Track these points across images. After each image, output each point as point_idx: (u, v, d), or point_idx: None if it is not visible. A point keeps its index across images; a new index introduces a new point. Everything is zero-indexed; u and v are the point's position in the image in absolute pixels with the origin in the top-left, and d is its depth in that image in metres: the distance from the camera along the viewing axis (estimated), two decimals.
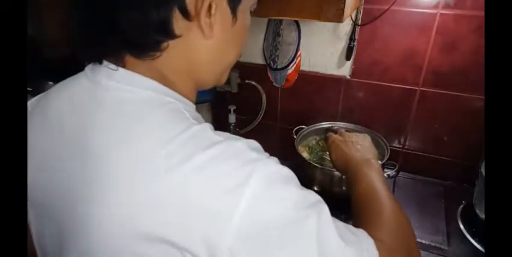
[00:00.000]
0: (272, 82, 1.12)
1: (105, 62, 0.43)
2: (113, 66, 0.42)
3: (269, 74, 1.11)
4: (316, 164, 0.92)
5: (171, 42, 0.41)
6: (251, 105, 1.22)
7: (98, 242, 0.38)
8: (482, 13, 0.83)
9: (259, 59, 1.13)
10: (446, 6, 0.86)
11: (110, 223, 0.37)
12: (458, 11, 0.86)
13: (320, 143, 1.06)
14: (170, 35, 0.40)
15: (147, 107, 0.40)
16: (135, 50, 0.41)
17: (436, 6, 0.87)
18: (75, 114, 0.43)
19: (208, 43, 0.44)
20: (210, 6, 0.40)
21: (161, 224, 0.35)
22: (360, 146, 0.75)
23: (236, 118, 1.21)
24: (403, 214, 0.58)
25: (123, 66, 0.42)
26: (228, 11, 0.43)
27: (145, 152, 0.37)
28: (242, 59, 1.16)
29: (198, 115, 0.46)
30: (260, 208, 0.36)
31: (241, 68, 1.17)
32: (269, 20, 1.04)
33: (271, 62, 1.07)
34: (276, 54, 1.05)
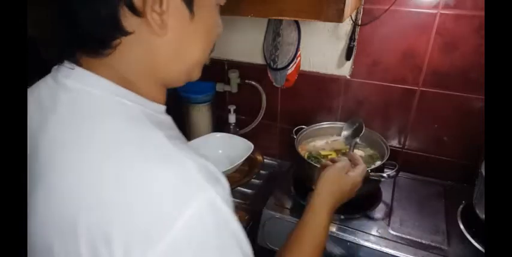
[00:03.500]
0: (272, 82, 1.12)
1: (66, 61, 0.43)
2: (71, 65, 0.42)
3: (269, 74, 1.11)
4: (316, 164, 0.92)
5: (124, 39, 0.40)
6: (251, 105, 1.22)
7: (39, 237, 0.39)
8: (482, 13, 0.83)
9: (259, 59, 1.13)
10: (446, 6, 0.86)
11: (50, 220, 0.38)
12: (458, 11, 0.86)
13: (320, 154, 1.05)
14: (120, 31, 0.39)
15: (99, 109, 0.40)
16: (86, 47, 0.41)
17: (436, 6, 0.87)
18: (38, 112, 0.43)
19: (164, 40, 0.42)
20: (161, 2, 0.39)
21: (100, 225, 0.36)
22: (344, 189, 0.71)
23: (236, 118, 1.21)
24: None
25: (80, 65, 0.42)
26: (182, 6, 0.41)
27: (91, 156, 0.37)
28: (242, 59, 1.16)
29: (163, 117, 0.46)
30: (187, 239, 0.35)
31: (241, 68, 1.17)
32: (269, 20, 1.04)
33: (271, 62, 1.07)
34: (276, 54, 1.05)
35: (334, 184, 0.71)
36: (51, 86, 0.44)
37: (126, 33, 0.39)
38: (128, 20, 0.39)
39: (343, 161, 0.75)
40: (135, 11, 0.38)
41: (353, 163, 0.77)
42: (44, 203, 0.39)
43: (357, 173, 0.73)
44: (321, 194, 0.69)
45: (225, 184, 0.41)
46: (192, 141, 1.15)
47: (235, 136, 1.18)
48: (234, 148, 1.14)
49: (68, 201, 0.37)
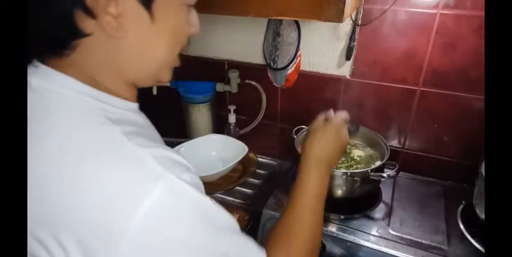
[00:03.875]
0: (272, 82, 1.12)
1: (34, 60, 0.43)
2: (36, 63, 0.42)
3: (269, 74, 1.11)
4: None
5: (84, 41, 0.41)
6: (251, 105, 1.22)
7: None
8: (482, 13, 0.83)
9: (259, 59, 1.13)
10: (446, 6, 0.86)
11: None
12: (458, 11, 0.86)
13: None
14: (76, 33, 0.39)
15: (57, 106, 0.40)
16: (46, 47, 0.41)
17: (436, 6, 0.87)
18: None
19: (124, 42, 0.42)
20: (116, 4, 0.39)
21: (52, 225, 0.37)
22: (331, 145, 0.70)
23: (236, 118, 1.21)
24: (318, 238, 0.61)
25: (47, 64, 0.42)
26: (140, 9, 0.41)
27: (47, 156, 0.38)
28: (242, 59, 1.16)
29: (130, 114, 0.46)
30: (151, 226, 0.36)
31: (241, 68, 1.17)
32: (269, 20, 1.04)
33: (271, 62, 1.07)
34: (276, 54, 1.05)
35: (316, 136, 0.70)
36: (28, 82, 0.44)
37: (83, 35, 0.40)
38: (84, 22, 0.39)
39: (317, 120, 0.74)
40: (89, 13, 0.39)
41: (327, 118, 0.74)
42: None
43: (334, 120, 0.72)
44: (306, 150, 0.68)
45: (189, 167, 0.42)
46: (188, 142, 1.15)
47: (230, 137, 1.18)
48: (228, 149, 1.14)
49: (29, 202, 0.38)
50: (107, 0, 0.38)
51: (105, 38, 0.41)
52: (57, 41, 0.41)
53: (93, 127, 0.40)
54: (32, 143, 0.39)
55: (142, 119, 0.51)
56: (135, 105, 0.50)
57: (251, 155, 1.20)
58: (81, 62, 0.43)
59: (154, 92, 1.23)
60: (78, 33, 0.40)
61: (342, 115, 0.74)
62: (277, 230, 0.59)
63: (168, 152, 0.41)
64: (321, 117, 0.74)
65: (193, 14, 0.50)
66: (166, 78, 0.51)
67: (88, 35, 0.40)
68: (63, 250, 0.37)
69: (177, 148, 1.12)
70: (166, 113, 1.30)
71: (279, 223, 0.60)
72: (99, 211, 0.36)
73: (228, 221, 0.44)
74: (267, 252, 0.50)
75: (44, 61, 0.43)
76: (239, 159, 1.07)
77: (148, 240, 0.36)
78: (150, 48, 0.45)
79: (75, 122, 0.40)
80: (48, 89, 0.41)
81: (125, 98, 0.47)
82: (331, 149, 0.69)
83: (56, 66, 0.42)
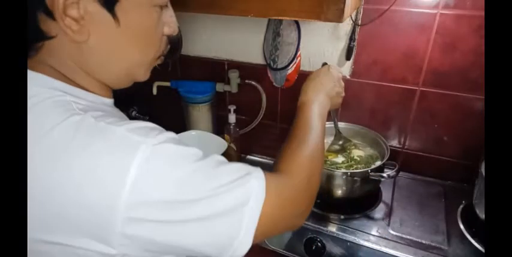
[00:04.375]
0: (272, 82, 1.12)
1: None
2: None
3: (269, 74, 1.11)
4: None
5: (48, 43, 0.41)
6: (251, 105, 1.22)
7: None
8: (482, 13, 0.83)
9: (259, 59, 1.13)
10: (446, 6, 0.86)
11: None
12: (458, 11, 0.86)
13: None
14: (38, 34, 0.40)
15: (30, 103, 0.40)
16: None
17: (436, 6, 0.87)
18: None
19: (88, 45, 0.42)
20: (78, 8, 0.39)
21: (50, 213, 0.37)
22: (330, 88, 0.76)
23: (236, 118, 1.21)
24: (320, 160, 0.60)
25: None
26: (103, 11, 0.41)
27: (28, 143, 0.37)
28: (242, 59, 1.16)
29: (108, 109, 0.46)
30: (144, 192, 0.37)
31: (241, 68, 1.17)
32: (269, 20, 1.04)
33: (271, 62, 1.07)
34: (276, 54, 1.05)
35: (309, 80, 0.77)
36: None
37: (45, 37, 0.40)
38: (46, 24, 0.39)
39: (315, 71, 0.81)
40: (50, 15, 0.39)
41: None
42: None
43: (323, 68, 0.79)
44: (302, 92, 0.75)
45: (162, 129, 0.42)
46: None
47: (209, 133, 1.18)
48: (207, 145, 1.13)
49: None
50: (67, 3, 0.38)
51: (69, 40, 0.41)
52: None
53: (64, 118, 0.39)
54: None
55: (115, 111, 0.51)
56: (109, 101, 0.49)
57: (232, 152, 1.19)
58: (49, 62, 0.43)
59: (154, 92, 1.23)
60: (40, 35, 0.40)
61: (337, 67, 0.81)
62: (281, 154, 0.58)
63: (140, 122, 0.42)
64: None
65: (168, 14, 0.49)
66: (142, 77, 0.51)
67: (52, 37, 0.40)
68: (71, 247, 0.37)
69: None
70: (166, 113, 1.30)
71: (282, 149, 0.60)
72: (90, 191, 0.36)
73: (213, 157, 0.44)
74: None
75: None
76: (220, 154, 1.06)
77: (144, 207, 0.37)
78: (116, 50, 0.45)
79: (45, 115, 0.39)
80: None
81: (100, 95, 0.47)
82: (326, 86, 0.74)
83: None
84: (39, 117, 0.39)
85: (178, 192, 0.39)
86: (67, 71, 0.44)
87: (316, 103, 0.69)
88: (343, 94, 0.81)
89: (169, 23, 0.49)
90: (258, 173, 0.45)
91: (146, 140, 0.38)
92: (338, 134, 1.02)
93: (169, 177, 0.39)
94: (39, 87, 0.41)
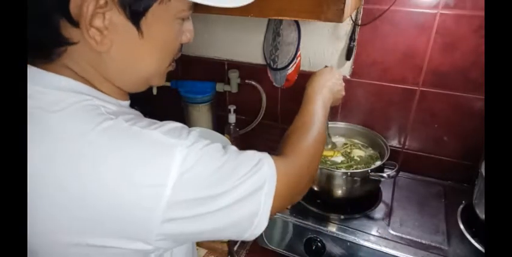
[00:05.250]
0: (272, 82, 1.12)
1: None
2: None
3: (269, 74, 1.11)
4: None
5: (71, 48, 0.41)
6: (251, 105, 1.22)
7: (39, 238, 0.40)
8: (482, 13, 0.83)
9: (259, 59, 1.13)
10: (446, 6, 0.86)
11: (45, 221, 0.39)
12: (458, 11, 0.86)
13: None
14: (60, 40, 0.40)
15: (57, 107, 0.40)
16: (31, 51, 0.41)
17: (436, 6, 0.87)
18: None
19: (109, 55, 0.43)
20: (103, 18, 0.39)
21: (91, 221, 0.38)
22: (333, 85, 0.81)
23: (236, 118, 1.21)
24: (321, 147, 0.66)
25: (34, 64, 0.42)
26: (128, 24, 0.41)
27: (54, 151, 0.38)
28: (242, 59, 1.16)
29: (127, 110, 0.47)
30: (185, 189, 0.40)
31: (241, 68, 1.17)
32: (269, 20, 1.04)
33: (271, 62, 1.07)
34: (276, 54, 1.05)
35: (314, 76, 0.82)
36: None
37: (68, 43, 0.40)
38: (69, 31, 0.40)
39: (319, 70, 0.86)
40: (74, 24, 0.39)
41: None
42: None
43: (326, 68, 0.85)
44: (308, 86, 0.79)
45: (187, 127, 0.45)
46: None
47: (211, 131, 1.17)
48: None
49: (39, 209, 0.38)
50: (93, 14, 0.38)
51: (90, 47, 0.41)
52: (44, 47, 0.41)
53: (97, 123, 0.40)
54: (31, 147, 0.38)
55: (134, 112, 0.51)
56: (126, 103, 0.51)
57: None
58: (70, 66, 0.43)
59: (155, 92, 1.23)
60: (63, 41, 0.40)
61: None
62: (285, 139, 0.65)
63: (169, 123, 0.44)
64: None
65: (188, 23, 0.50)
66: (158, 83, 0.52)
67: (74, 43, 0.40)
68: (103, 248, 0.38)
69: None
70: (166, 113, 1.30)
71: (287, 135, 0.66)
72: (129, 195, 0.37)
73: (231, 149, 0.48)
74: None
75: (33, 62, 0.42)
76: None
77: (181, 207, 0.39)
78: (137, 60, 0.45)
79: (75, 119, 0.40)
80: (39, 91, 0.41)
81: (118, 98, 0.48)
82: (329, 82, 0.80)
83: (46, 68, 0.42)
84: (70, 122, 0.39)
85: (212, 188, 0.41)
86: (87, 76, 0.44)
87: (320, 96, 0.75)
88: (343, 93, 0.87)
89: (188, 31, 0.50)
90: (267, 159, 0.49)
91: (181, 142, 0.41)
92: (328, 138, 1.02)
93: (204, 176, 0.41)
94: (65, 92, 0.42)
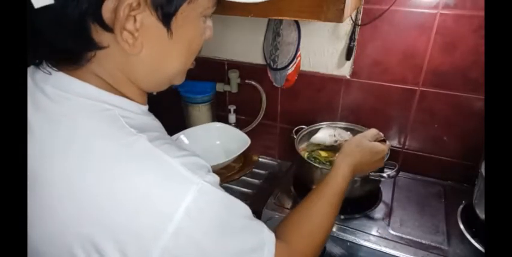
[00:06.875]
0: (272, 82, 1.12)
1: (44, 64, 0.43)
2: (48, 69, 0.42)
3: (269, 74, 1.11)
4: (316, 164, 0.92)
5: (99, 52, 0.41)
6: (251, 105, 1.22)
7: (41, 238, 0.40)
8: (482, 13, 0.83)
9: (259, 59, 1.13)
10: (446, 6, 0.86)
11: (51, 224, 0.39)
12: (458, 11, 0.86)
13: (320, 154, 1.04)
14: (91, 45, 0.40)
15: (80, 116, 0.41)
16: (60, 57, 0.41)
17: (436, 6, 0.87)
18: None
19: (139, 57, 0.43)
20: (134, 20, 0.39)
21: (89, 234, 0.38)
22: (365, 160, 0.78)
23: (236, 118, 1.21)
24: (328, 229, 0.64)
25: (61, 69, 0.42)
26: (159, 25, 0.41)
27: (76, 163, 0.38)
28: (242, 59, 1.16)
29: (145, 118, 0.47)
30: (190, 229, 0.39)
31: (241, 68, 1.17)
32: (269, 20, 1.04)
33: (271, 62, 1.07)
34: (276, 54, 1.05)
35: (353, 145, 0.79)
36: (30, 86, 0.44)
37: (98, 47, 0.40)
38: (100, 35, 0.39)
39: (371, 131, 0.84)
40: (106, 28, 0.39)
41: (378, 139, 0.84)
42: (31, 213, 0.39)
43: (378, 144, 0.81)
44: (342, 152, 0.77)
45: (208, 167, 0.44)
46: (192, 128, 1.15)
47: (234, 128, 1.18)
48: (231, 140, 1.14)
49: (53, 212, 0.39)
50: (126, 17, 0.38)
51: (119, 51, 0.41)
52: (74, 52, 0.41)
53: (118, 136, 0.40)
54: (54, 153, 0.39)
55: (155, 121, 0.52)
56: (145, 108, 0.50)
57: (253, 155, 1.21)
58: (96, 71, 0.43)
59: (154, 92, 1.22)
60: (94, 46, 0.40)
61: (373, 132, 0.84)
62: (288, 217, 0.63)
63: (192, 157, 0.43)
64: (373, 131, 0.84)
65: (209, 20, 0.50)
66: (179, 82, 0.52)
67: (104, 47, 0.40)
68: (99, 254, 0.38)
69: (176, 135, 1.11)
70: (166, 113, 1.30)
71: (293, 211, 0.64)
72: (136, 216, 0.37)
73: (245, 209, 0.48)
74: (276, 233, 0.53)
75: (61, 68, 0.43)
76: (242, 150, 1.06)
77: (184, 243, 0.38)
78: (165, 61, 0.46)
79: (97, 131, 0.40)
80: (65, 97, 0.41)
81: (139, 102, 0.48)
82: (363, 157, 0.77)
83: (73, 73, 0.42)
84: (90, 134, 0.40)
85: (212, 235, 0.41)
86: (112, 80, 0.44)
87: (344, 172, 0.72)
88: (382, 165, 0.85)
89: (209, 28, 0.50)
90: (270, 246, 0.48)
91: (198, 180, 0.40)
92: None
93: (209, 224, 0.40)
94: (86, 99, 0.42)
